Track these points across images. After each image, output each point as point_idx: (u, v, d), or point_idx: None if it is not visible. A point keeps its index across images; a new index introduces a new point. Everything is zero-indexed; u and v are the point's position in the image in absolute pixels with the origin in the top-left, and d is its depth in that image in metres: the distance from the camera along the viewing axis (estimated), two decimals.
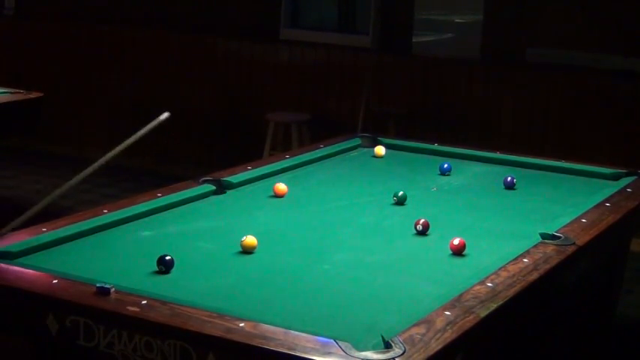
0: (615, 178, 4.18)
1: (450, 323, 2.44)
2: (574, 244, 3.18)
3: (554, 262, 3.01)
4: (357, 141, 4.71)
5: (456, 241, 3.11)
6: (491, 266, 2.91)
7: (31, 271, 2.68)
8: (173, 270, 2.82)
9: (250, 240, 3.04)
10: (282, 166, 4.15)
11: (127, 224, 3.25)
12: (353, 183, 4.06)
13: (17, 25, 8.42)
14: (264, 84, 7.41)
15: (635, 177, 4.16)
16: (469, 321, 2.48)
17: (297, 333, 2.32)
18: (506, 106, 6.64)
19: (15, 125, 5.56)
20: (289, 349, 2.24)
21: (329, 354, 2.23)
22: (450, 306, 2.56)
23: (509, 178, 4.03)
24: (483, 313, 2.55)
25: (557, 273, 3.01)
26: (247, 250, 3.03)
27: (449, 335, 2.38)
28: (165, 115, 2.89)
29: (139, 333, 2.37)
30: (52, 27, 8.19)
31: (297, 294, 2.74)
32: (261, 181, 3.94)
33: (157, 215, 3.37)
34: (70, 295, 2.52)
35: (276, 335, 2.30)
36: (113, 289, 2.52)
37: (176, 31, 7.78)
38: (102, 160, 2.87)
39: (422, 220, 3.33)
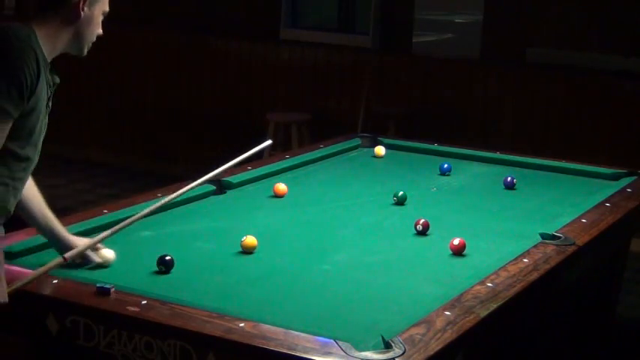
0: (615, 178, 4.18)
1: (450, 323, 2.44)
2: (574, 244, 3.18)
3: (554, 262, 3.01)
4: (357, 141, 4.70)
5: (456, 242, 3.11)
6: (491, 266, 2.91)
7: (31, 271, 2.68)
8: (173, 270, 2.82)
9: (250, 240, 3.04)
10: (282, 166, 4.15)
11: None
12: (353, 183, 4.05)
13: None
14: (264, 84, 7.40)
15: (635, 177, 4.16)
16: (469, 321, 2.48)
17: (297, 333, 2.32)
18: (507, 106, 6.63)
19: None
20: (289, 349, 2.24)
21: (329, 354, 2.22)
22: (450, 306, 2.56)
23: (509, 178, 4.03)
24: (483, 313, 2.55)
25: (557, 273, 3.00)
26: (247, 250, 3.03)
27: (449, 335, 2.38)
28: (267, 143, 3.02)
29: (139, 333, 2.37)
30: None
31: (297, 294, 2.74)
32: (261, 181, 3.94)
33: (157, 215, 3.37)
34: (70, 295, 2.52)
35: (276, 335, 2.30)
36: (113, 289, 2.52)
37: (176, 31, 7.77)
38: (193, 185, 2.91)
39: (422, 221, 3.33)
